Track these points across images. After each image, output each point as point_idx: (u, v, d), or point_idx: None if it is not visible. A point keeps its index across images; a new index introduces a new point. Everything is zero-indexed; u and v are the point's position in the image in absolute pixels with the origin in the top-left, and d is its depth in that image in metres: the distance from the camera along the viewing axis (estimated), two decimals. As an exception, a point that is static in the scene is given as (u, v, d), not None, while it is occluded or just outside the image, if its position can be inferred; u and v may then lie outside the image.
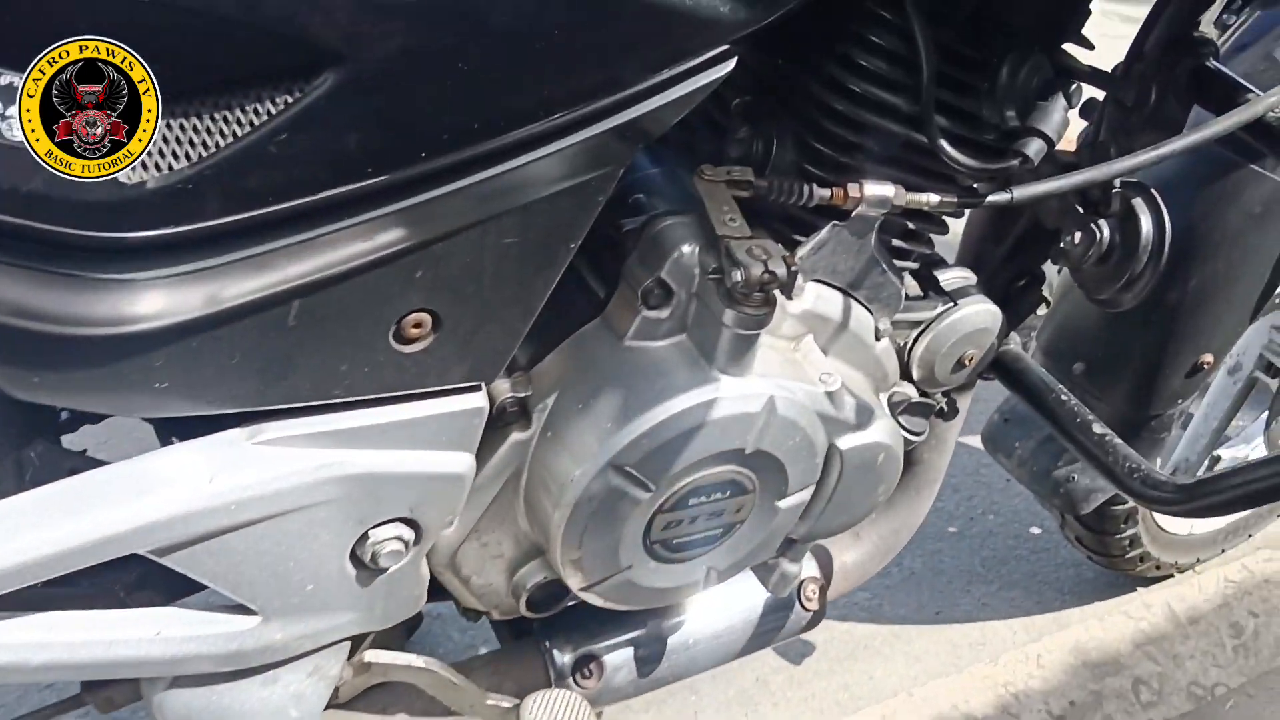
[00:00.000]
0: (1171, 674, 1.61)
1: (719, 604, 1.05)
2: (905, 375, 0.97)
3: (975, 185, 0.88)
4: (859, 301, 0.89)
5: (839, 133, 0.84)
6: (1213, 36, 0.97)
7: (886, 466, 0.90)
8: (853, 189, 0.81)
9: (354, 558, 0.76)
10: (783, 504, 0.86)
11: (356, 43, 0.53)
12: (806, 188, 0.80)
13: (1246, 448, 1.73)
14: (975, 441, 1.84)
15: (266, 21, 0.51)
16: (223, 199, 0.56)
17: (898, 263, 0.92)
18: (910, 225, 0.92)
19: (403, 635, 1.09)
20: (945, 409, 1.03)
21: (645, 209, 0.82)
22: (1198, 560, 1.72)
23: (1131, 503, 1.47)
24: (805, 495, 0.87)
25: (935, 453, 1.14)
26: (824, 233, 0.84)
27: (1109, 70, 0.93)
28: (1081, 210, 0.95)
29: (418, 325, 0.68)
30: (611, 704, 1.02)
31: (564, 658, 0.99)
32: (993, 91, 0.83)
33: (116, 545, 0.63)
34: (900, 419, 0.94)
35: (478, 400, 0.75)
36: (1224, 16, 1.25)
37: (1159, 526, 1.59)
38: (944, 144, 0.82)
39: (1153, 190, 0.95)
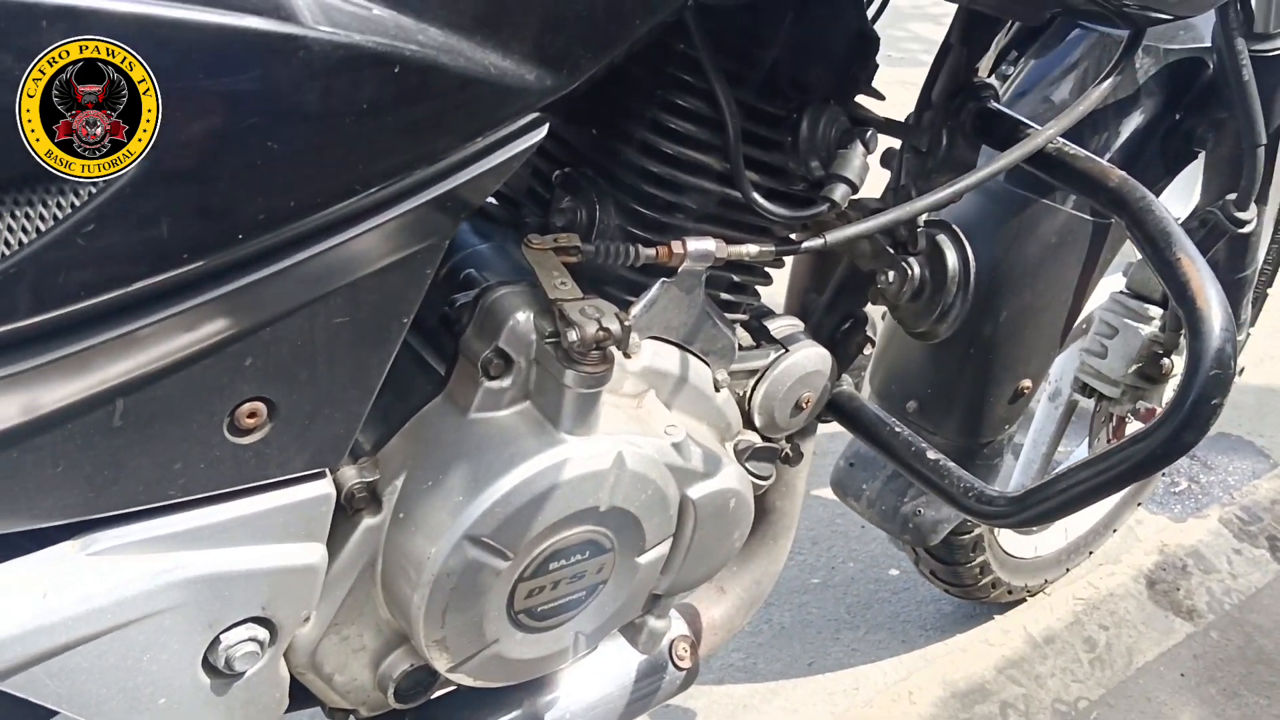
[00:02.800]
0: (1036, 694, 1.67)
1: (592, 674, 1.05)
2: (748, 423, 1.00)
3: (790, 234, 0.93)
4: (695, 355, 0.92)
5: (657, 194, 0.87)
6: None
7: (739, 511, 0.92)
8: (676, 246, 0.83)
9: (207, 665, 0.73)
10: (643, 559, 0.87)
11: (160, 124, 0.53)
12: (632, 249, 0.83)
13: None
14: (827, 493, 1.90)
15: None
16: (33, 296, 0.55)
17: (728, 315, 0.95)
18: (735, 278, 0.96)
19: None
20: (790, 454, 1.06)
21: (477, 282, 0.83)
22: (1045, 581, 1.79)
23: (976, 531, 1.53)
24: (664, 549, 0.88)
25: (786, 499, 1.17)
26: (654, 290, 0.86)
27: (902, 120, 1.00)
28: (892, 251, 1.00)
29: (252, 415, 0.67)
30: (493, 791, 1.00)
31: (438, 750, 0.97)
32: (796, 144, 0.88)
33: (-55, 675, 0.59)
34: (747, 465, 0.97)
35: (323, 488, 0.74)
36: (1002, 68, 1.35)
37: (1005, 552, 1.66)
38: (756, 197, 0.86)
39: (954, 226, 1.01)
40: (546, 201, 0.91)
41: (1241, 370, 1.44)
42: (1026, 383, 1.29)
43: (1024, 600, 1.81)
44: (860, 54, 0.91)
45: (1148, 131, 1.27)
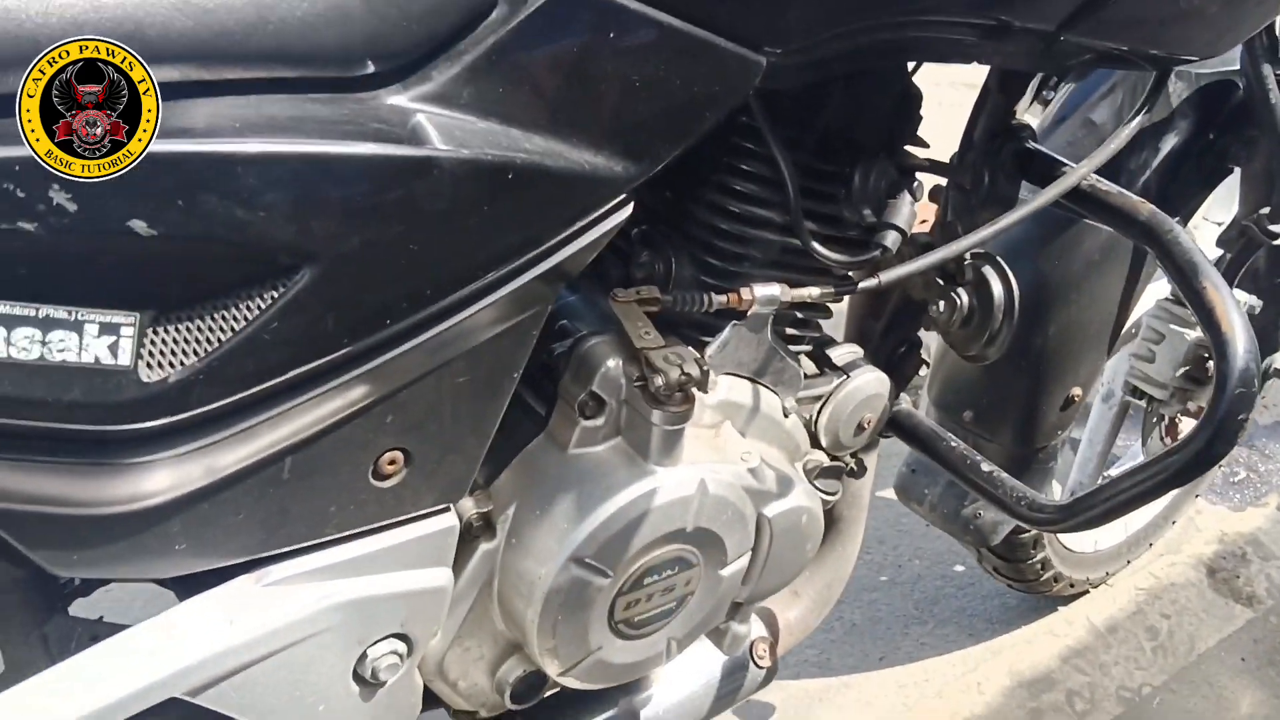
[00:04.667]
0: (1100, 682, 1.75)
1: (681, 675, 1.15)
2: (815, 444, 1.10)
3: (848, 274, 1.03)
4: (765, 386, 1.02)
5: (726, 247, 0.97)
6: (1033, 118, 1.14)
7: (810, 526, 1.02)
8: (745, 292, 0.94)
9: (356, 676, 0.85)
10: (725, 572, 0.98)
11: (326, 242, 0.65)
12: (706, 297, 0.93)
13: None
14: (891, 495, 1.98)
15: (257, 236, 0.62)
16: (222, 385, 0.67)
17: (793, 348, 1.05)
18: (799, 315, 1.06)
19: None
20: (855, 469, 1.16)
21: (571, 333, 0.94)
22: (1107, 574, 1.86)
23: (1035, 531, 1.62)
24: (744, 562, 0.99)
25: (852, 509, 1.27)
26: (726, 332, 0.97)
27: (946, 161, 1.09)
28: (942, 282, 1.10)
29: (392, 463, 0.79)
30: (597, 782, 1.11)
31: (548, 746, 1.08)
32: (849, 196, 0.98)
33: (159, 691, 0.71)
34: (816, 483, 1.07)
35: (449, 520, 0.86)
36: (1044, 94, 1.43)
37: (1066, 548, 1.73)
38: (815, 245, 0.96)
39: (998, 258, 1.10)
40: (627, 255, 1.02)
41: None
42: (1077, 391, 1.37)
43: (1086, 592, 1.88)
44: (904, 111, 1.00)
45: (1183, 152, 1.34)
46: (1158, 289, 1.59)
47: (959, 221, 1.10)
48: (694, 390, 0.90)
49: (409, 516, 0.84)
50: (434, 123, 0.67)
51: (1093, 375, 1.38)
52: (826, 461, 1.09)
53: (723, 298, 0.94)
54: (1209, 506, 2.11)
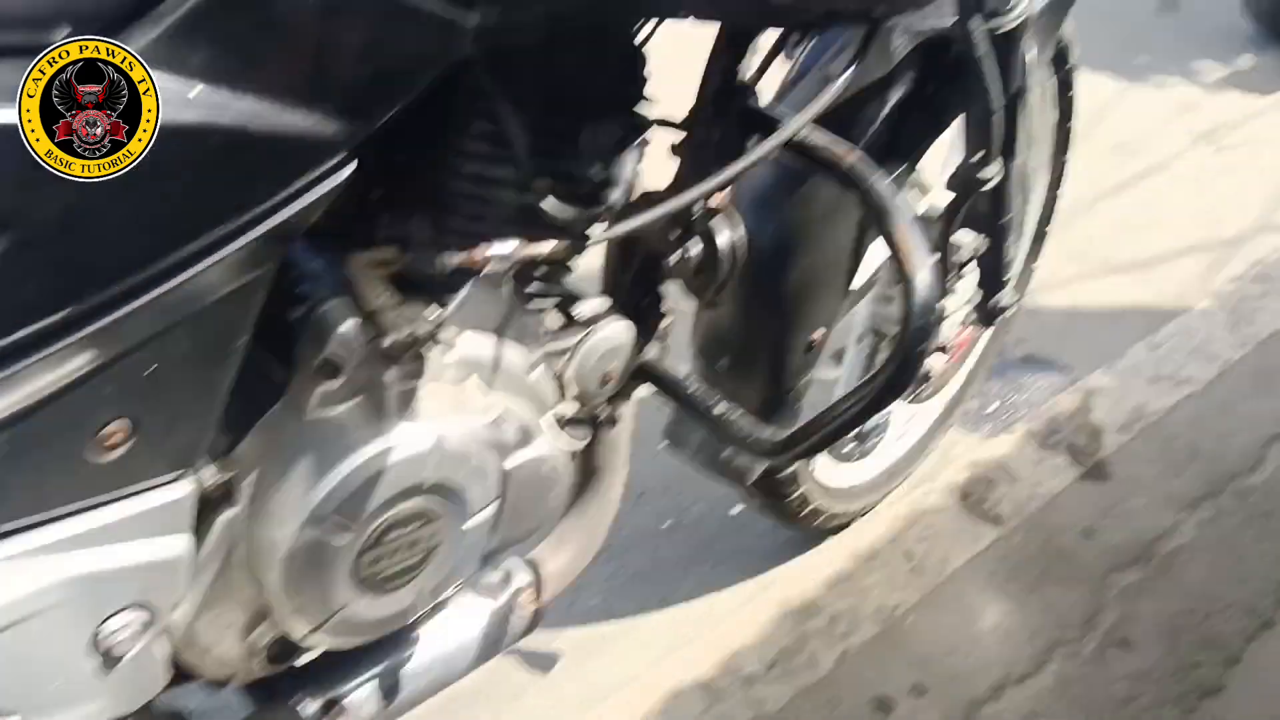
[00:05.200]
0: (860, 605, 1.87)
1: (445, 626, 1.18)
2: (564, 396, 1.14)
3: (582, 231, 1.07)
4: (509, 341, 1.06)
5: (462, 207, 1.00)
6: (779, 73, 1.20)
7: (550, 475, 1.07)
8: (477, 252, 0.97)
9: (95, 649, 0.85)
10: (470, 524, 1.01)
11: (16, 211, 0.64)
12: (440, 257, 0.96)
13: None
14: (675, 446, 2.06)
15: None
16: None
17: (538, 302, 1.09)
18: (540, 271, 1.10)
19: None
20: (608, 419, 1.21)
21: (309, 297, 0.95)
22: (865, 506, 1.99)
23: (790, 469, 1.71)
24: (490, 512, 1.03)
25: (611, 459, 1.32)
26: (465, 290, 1.00)
27: (678, 120, 1.15)
28: (672, 235, 1.16)
29: (117, 432, 0.79)
30: (364, 739, 1.13)
31: (310, 708, 1.09)
32: (579, 154, 1.02)
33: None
34: (566, 431, 1.11)
35: (184, 488, 0.86)
36: (785, 51, 1.50)
37: (822, 485, 1.84)
38: (543, 207, 0.99)
39: (730, 209, 1.17)
40: (371, 217, 1.03)
41: (1008, 308, 1.64)
42: (818, 334, 1.46)
43: (849, 524, 2.00)
44: (630, 70, 1.05)
45: (906, 103, 1.44)
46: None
47: (694, 176, 1.15)
48: (424, 349, 0.93)
49: (141, 487, 0.83)
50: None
51: (832, 319, 1.47)
52: (572, 413, 1.13)
53: (457, 258, 0.96)
54: (963, 437, 2.27)
